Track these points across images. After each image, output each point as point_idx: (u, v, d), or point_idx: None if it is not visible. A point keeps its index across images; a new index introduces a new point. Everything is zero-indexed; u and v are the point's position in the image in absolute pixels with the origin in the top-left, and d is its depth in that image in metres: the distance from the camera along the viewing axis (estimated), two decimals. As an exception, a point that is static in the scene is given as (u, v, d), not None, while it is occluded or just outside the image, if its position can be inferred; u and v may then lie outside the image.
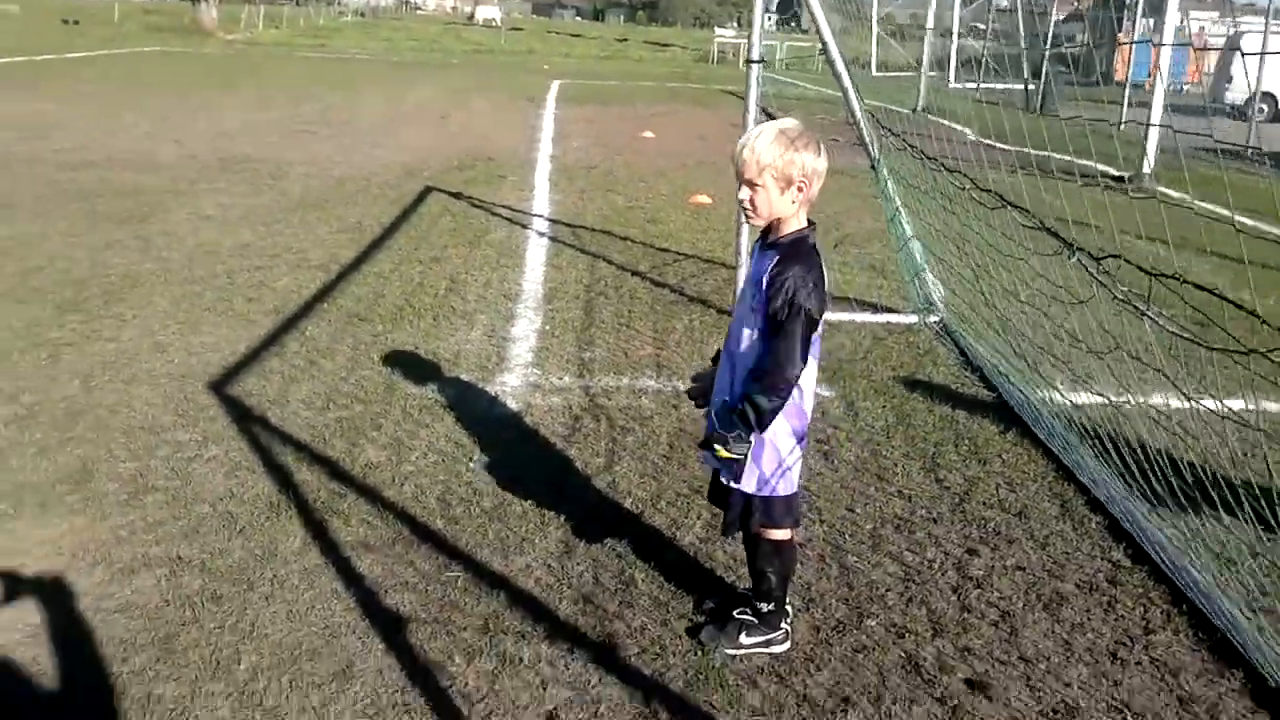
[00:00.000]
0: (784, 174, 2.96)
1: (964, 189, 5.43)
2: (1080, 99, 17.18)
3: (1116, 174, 13.26)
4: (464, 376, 5.69)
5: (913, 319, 6.88)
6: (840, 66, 6.45)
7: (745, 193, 3.03)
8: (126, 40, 41.70)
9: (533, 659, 3.26)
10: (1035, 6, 28.80)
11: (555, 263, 8.24)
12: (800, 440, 3.20)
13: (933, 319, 6.78)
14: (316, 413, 5.09)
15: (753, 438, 3.10)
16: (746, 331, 3.12)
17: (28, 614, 3.39)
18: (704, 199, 11.02)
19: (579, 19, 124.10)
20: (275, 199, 10.48)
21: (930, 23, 24.97)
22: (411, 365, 5.79)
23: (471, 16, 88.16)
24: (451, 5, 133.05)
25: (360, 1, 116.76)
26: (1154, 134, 12.91)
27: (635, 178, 12.63)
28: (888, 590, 3.74)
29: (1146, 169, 13.06)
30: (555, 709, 3.05)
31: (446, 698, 3.07)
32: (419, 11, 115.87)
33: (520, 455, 4.75)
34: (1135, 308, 3.80)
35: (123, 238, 8.46)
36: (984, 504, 4.41)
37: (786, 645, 3.37)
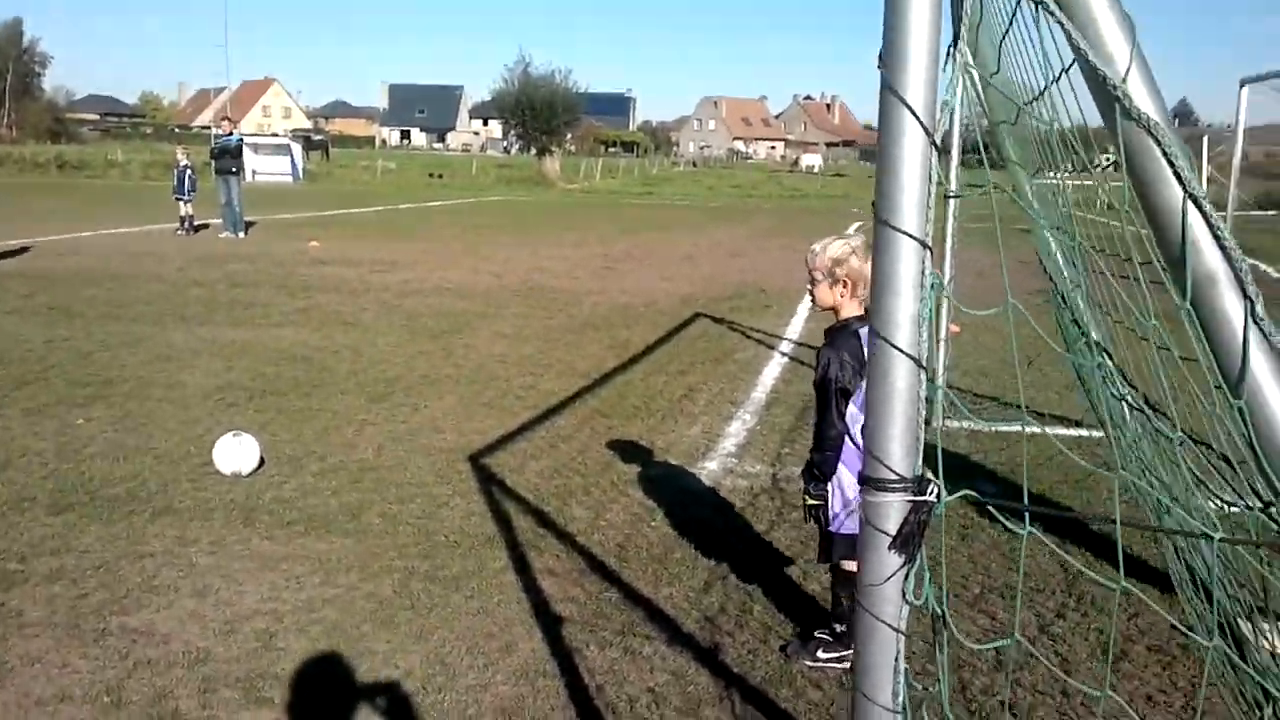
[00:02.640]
0: (831, 274, 3.91)
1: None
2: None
3: None
4: (672, 461, 6.71)
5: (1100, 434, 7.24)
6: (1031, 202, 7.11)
7: (810, 286, 3.98)
8: (481, 190, 46.89)
9: (650, 653, 4.17)
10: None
11: (787, 378, 9.17)
12: None
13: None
14: (544, 480, 6.26)
15: (827, 486, 3.95)
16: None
17: (309, 597, 4.67)
18: (955, 328, 11.60)
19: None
20: (564, 320, 12.08)
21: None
22: (631, 451, 6.88)
23: (795, 164, 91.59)
24: (781, 155, 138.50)
25: (694, 153, 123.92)
26: None
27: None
28: (966, 635, 4.35)
29: None
30: (655, 685, 3.93)
31: (576, 671, 4.03)
32: (748, 160, 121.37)
33: (697, 519, 5.68)
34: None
35: (431, 349, 10.20)
36: (1087, 579, 4.89)
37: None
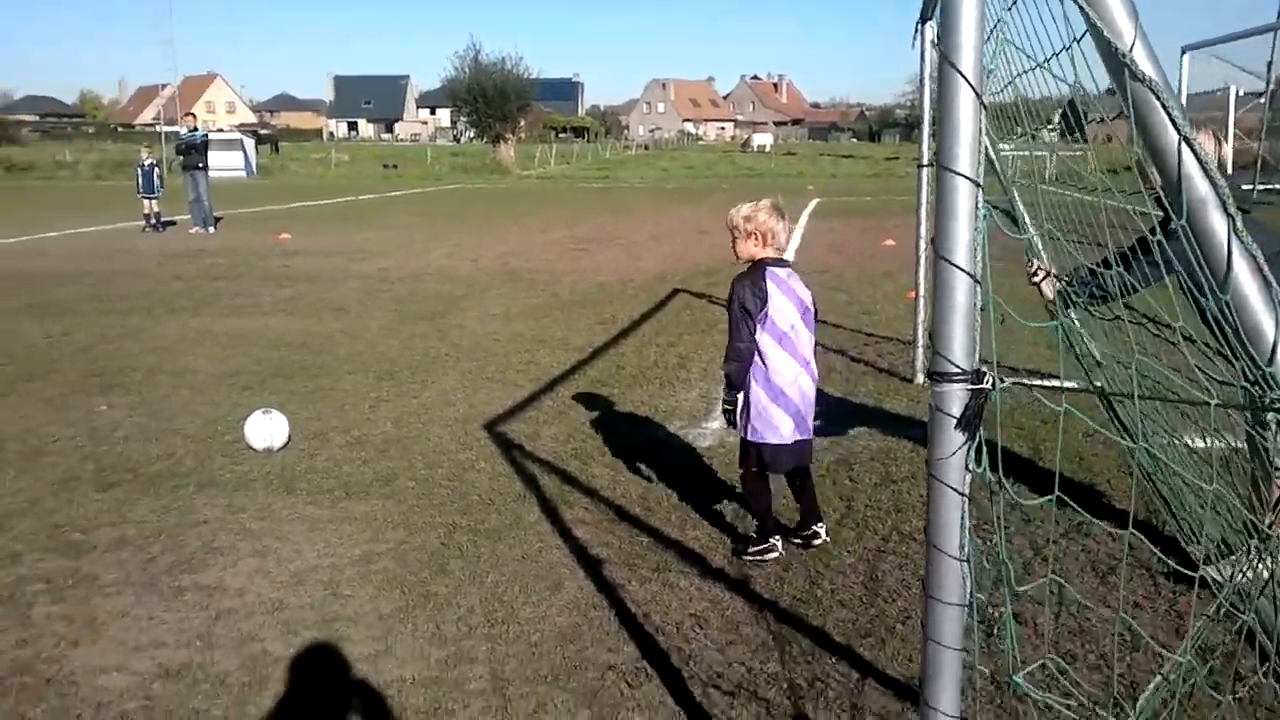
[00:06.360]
0: (746, 230, 4.73)
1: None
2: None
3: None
4: (676, 422, 7.14)
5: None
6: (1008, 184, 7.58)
7: (732, 244, 4.82)
8: (437, 180, 46.96)
9: (686, 585, 4.60)
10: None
11: (771, 344, 9.62)
12: (773, 399, 4.72)
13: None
14: (560, 444, 6.66)
15: (737, 394, 4.75)
16: None
17: (364, 551, 5.05)
18: (911, 294, 12.10)
19: (854, 140, 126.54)
20: (548, 300, 12.47)
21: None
22: (637, 416, 7.30)
23: (746, 144, 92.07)
24: (731, 135, 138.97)
25: (644, 136, 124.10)
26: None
27: (863, 279, 13.90)
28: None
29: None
30: (696, 612, 4.36)
31: (623, 603, 4.45)
32: (699, 142, 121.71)
33: (709, 471, 6.12)
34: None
35: (425, 330, 10.55)
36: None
37: (777, 554, 4.86)
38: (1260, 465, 3.64)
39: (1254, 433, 2.94)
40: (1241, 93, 27.24)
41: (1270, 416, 1.99)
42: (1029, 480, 5.81)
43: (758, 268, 4.76)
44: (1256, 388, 1.98)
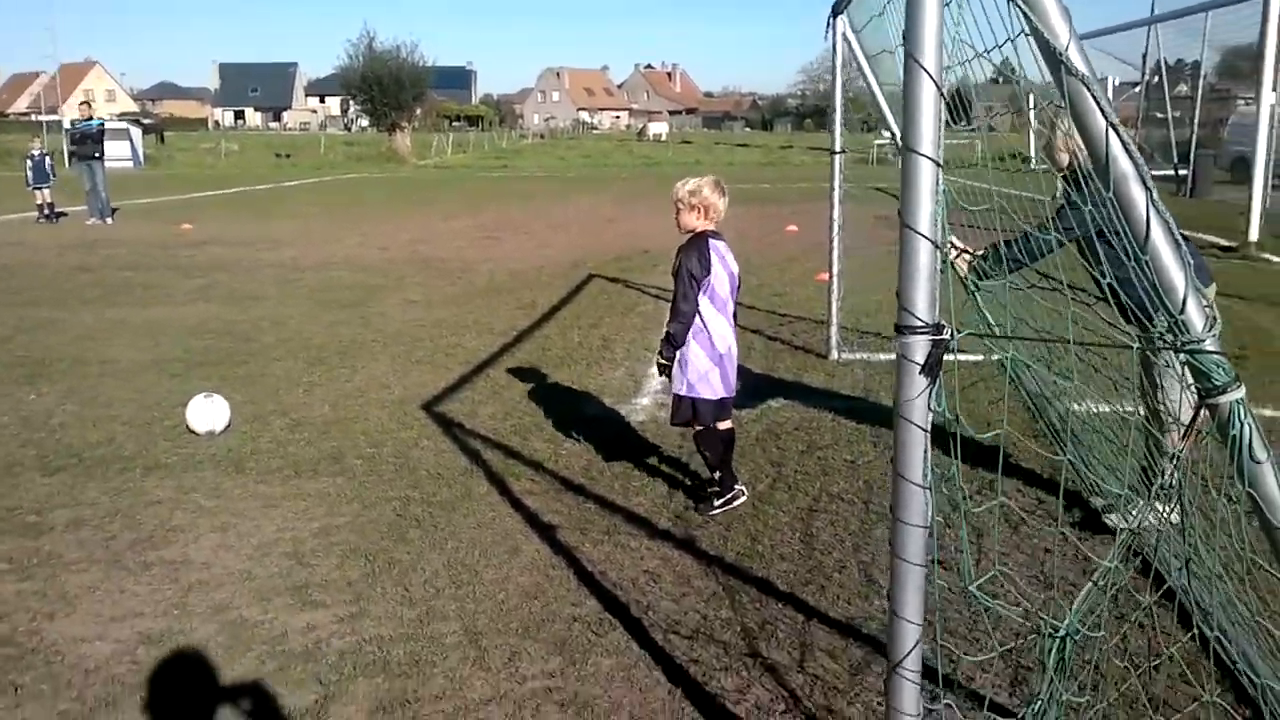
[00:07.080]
0: (689, 203, 5.14)
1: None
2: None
3: (1226, 244, 14.30)
4: (607, 400, 7.43)
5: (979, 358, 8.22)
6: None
7: (675, 215, 5.19)
8: (332, 169, 46.33)
9: (638, 546, 4.90)
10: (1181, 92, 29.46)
11: (690, 326, 9.97)
12: (715, 362, 5.19)
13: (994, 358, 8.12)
14: (498, 421, 6.90)
15: (676, 352, 5.17)
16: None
17: (322, 525, 5.24)
18: (823, 276, 12.57)
19: (748, 129, 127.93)
20: (465, 287, 12.64)
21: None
22: (569, 394, 7.58)
23: (641, 133, 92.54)
24: (625, 124, 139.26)
25: (540, 125, 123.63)
26: (1257, 204, 13.89)
27: (770, 263, 14.33)
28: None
29: (1253, 237, 13.99)
30: (649, 569, 4.66)
31: (579, 563, 4.73)
32: (594, 131, 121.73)
33: (645, 444, 6.42)
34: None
35: (347, 318, 10.65)
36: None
37: (743, 500, 5.33)
38: (1156, 408, 4.09)
39: (1162, 370, 3.34)
40: (1118, 83, 28.59)
41: (1182, 357, 2.36)
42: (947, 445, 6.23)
43: (701, 238, 5.17)
44: (1170, 333, 2.35)
